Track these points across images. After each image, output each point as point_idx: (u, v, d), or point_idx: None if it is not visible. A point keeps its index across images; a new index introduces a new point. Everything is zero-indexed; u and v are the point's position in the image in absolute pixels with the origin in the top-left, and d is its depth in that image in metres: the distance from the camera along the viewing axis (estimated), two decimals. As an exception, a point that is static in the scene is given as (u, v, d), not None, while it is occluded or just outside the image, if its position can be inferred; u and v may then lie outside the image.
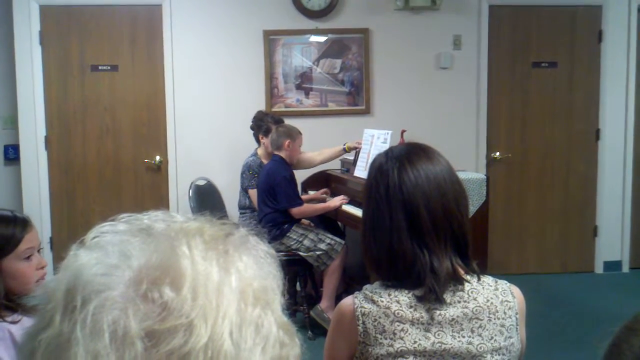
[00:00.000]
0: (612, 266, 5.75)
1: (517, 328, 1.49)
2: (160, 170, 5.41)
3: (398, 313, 1.44)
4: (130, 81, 5.33)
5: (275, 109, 5.34)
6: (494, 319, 1.47)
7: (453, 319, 1.45)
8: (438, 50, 5.48)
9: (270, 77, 5.38)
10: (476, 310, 1.46)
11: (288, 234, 4.21)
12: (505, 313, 1.48)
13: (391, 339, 1.43)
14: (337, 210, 4.30)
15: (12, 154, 5.36)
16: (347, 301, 1.51)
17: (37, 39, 5.19)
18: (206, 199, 4.82)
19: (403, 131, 4.47)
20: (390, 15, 5.42)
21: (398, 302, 1.45)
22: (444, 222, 1.48)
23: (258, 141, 4.83)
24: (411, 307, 1.45)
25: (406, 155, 1.54)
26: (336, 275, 4.20)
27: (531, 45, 5.61)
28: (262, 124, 4.76)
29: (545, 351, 3.86)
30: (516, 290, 1.54)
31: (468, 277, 1.50)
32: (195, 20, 5.29)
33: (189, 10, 5.28)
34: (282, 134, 4.33)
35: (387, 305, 1.44)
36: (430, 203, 1.48)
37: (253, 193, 4.59)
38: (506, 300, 1.49)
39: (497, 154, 5.64)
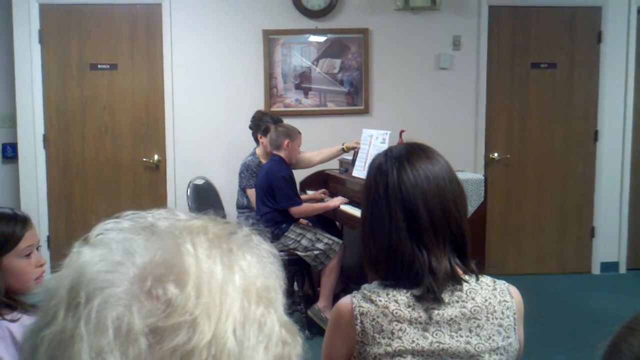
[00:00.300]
0: (609, 267, 5.76)
1: (515, 328, 1.50)
2: (158, 170, 5.41)
3: (396, 312, 1.44)
4: (129, 80, 5.32)
5: (274, 109, 5.34)
6: (492, 318, 1.47)
7: (451, 319, 1.45)
8: (437, 50, 5.49)
9: (269, 76, 5.38)
10: (474, 310, 1.46)
11: (286, 234, 4.21)
12: (503, 313, 1.48)
13: (389, 338, 1.43)
14: (336, 210, 4.30)
15: (10, 153, 5.35)
16: (346, 300, 1.50)
17: (37, 38, 5.18)
18: (204, 199, 4.82)
19: (402, 131, 4.47)
20: (390, 15, 5.42)
21: (396, 301, 1.45)
22: (442, 222, 1.48)
23: (257, 141, 4.83)
24: (409, 306, 1.45)
25: (406, 155, 1.54)
26: (334, 275, 4.20)
27: (530, 46, 5.62)
28: (261, 124, 4.76)
29: (542, 351, 3.86)
30: (514, 290, 1.55)
31: (466, 277, 1.50)
32: (195, 20, 5.29)
33: (188, 10, 5.27)
34: (282, 134, 4.33)
35: (385, 304, 1.44)
36: (429, 203, 1.48)
37: (251, 193, 4.59)
38: (504, 300, 1.50)
39: (496, 154, 5.65)
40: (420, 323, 1.44)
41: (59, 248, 5.20)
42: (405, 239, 1.47)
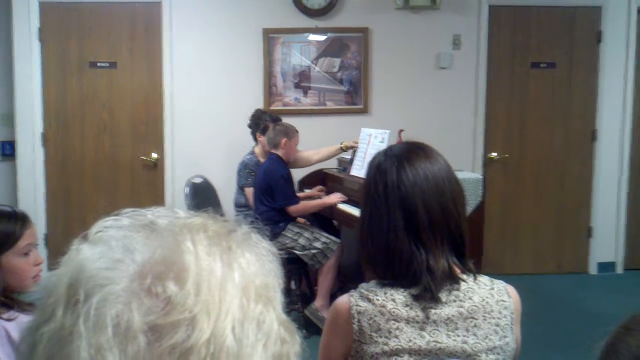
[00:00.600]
0: (606, 267, 5.77)
1: (512, 328, 1.50)
2: (157, 168, 5.41)
3: (393, 311, 1.44)
4: (128, 78, 5.32)
5: (273, 108, 5.34)
6: (489, 318, 1.47)
7: (448, 318, 1.45)
8: (437, 49, 5.49)
9: (268, 75, 5.38)
10: (471, 309, 1.46)
11: (284, 233, 4.21)
12: (500, 313, 1.48)
13: (386, 337, 1.43)
14: (333, 209, 4.30)
15: (9, 151, 5.35)
16: (343, 299, 1.50)
17: (36, 36, 5.18)
18: (203, 197, 4.81)
19: (401, 130, 4.47)
20: (390, 14, 5.42)
21: (394, 300, 1.45)
22: (441, 221, 1.48)
23: (255, 139, 4.83)
24: (407, 305, 1.45)
25: (405, 154, 1.54)
26: (331, 274, 4.20)
27: (530, 46, 5.62)
28: (260, 122, 4.76)
29: (539, 351, 3.87)
30: (512, 290, 1.55)
31: (464, 277, 1.50)
32: (195, 18, 5.29)
33: (188, 8, 5.27)
34: (279, 132, 4.33)
35: (382, 303, 1.45)
36: (428, 202, 1.48)
37: (249, 191, 4.59)
38: (502, 300, 1.50)
39: (494, 154, 5.65)
40: (418, 322, 1.44)
41: (57, 246, 5.18)
42: (403, 237, 1.47)
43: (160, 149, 5.38)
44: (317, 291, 4.30)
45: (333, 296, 3.99)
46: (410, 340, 1.43)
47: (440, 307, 1.45)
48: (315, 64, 5.42)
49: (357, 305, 1.46)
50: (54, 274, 0.57)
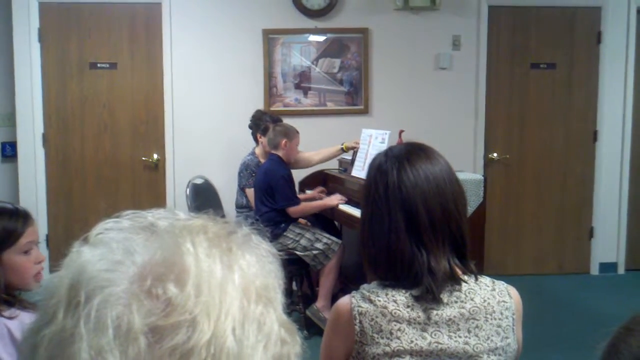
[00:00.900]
0: (608, 268, 5.77)
1: (513, 328, 1.50)
2: (157, 169, 5.41)
3: (395, 312, 1.44)
4: (128, 79, 5.32)
5: (273, 108, 5.34)
6: (491, 319, 1.47)
7: (450, 319, 1.45)
8: (437, 50, 5.49)
9: (269, 76, 5.38)
10: (473, 310, 1.46)
11: (285, 233, 4.21)
12: (502, 313, 1.48)
13: (388, 338, 1.43)
14: (334, 209, 4.30)
15: (10, 151, 5.35)
16: (344, 300, 1.50)
17: (36, 36, 5.18)
18: (204, 198, 4.81)
19: (401, 131, 4.47)
20: (390, 15, 5.42)
21: (395, 301, 1.45)
22: (442, 222, 1.48)
23: (256, 140, 4.83)
24: (408, 306, 1.45)
25: (406, 154, 1.54)
26: (332, 274, 4.20)
27: (530, 46, 5.62)
28: (261, 123, 4.76)
29: (541, 352, 3.86)
30: (513, 291, 1.54)
31: (465, 278, 1.50)
32: (195, 19, 5.29)
33: (188, 9, 5.27)
34: (279, 133, 4.33)
35: (384, 304, 1.44)
36: (428, 203, 1.48)
37: (250, 192, 4.59)
38: (503, 301, 1.50)
39: (495, 154, 5.65)
40: (419, 323, 1.44)
41: (58, 247, 5.20)
42: (404, 239, 1.47)
43: (161, 150, 5.38)
44: (319, 292, 4.29)
45: (334, 297, 4.00)
46: (411, 341, 1.43)
47: (442, 308, 1.45)
48: (316, 65, 5.42)
49: (359, 306, 1.46)
50: (55, 276, 0.57)
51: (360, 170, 4.34)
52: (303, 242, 4.17)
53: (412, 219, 1.47)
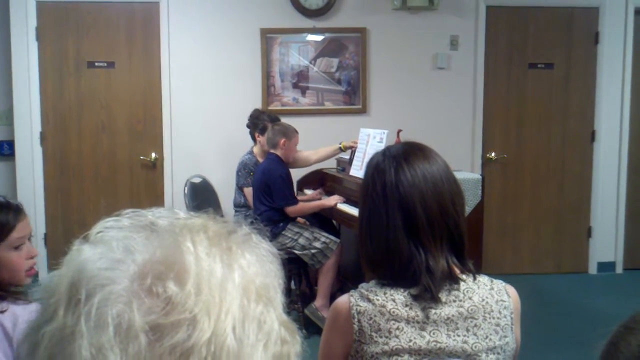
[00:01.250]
0: (606, 267, 5.78)
1: (512, 327, 1.50)
2: (155, 168, 5.41)
3: (393, 311, 1.44)
4: (126, 78, 5.32)
5: (271, 108, 5.34)
6: (489, 318, 1.47)
7: (448, 318, 1.45)
8: (435, 50, 5.49)
9: (267, 75, 5.38)
10: (471, 309, 1.47)
11: (283, 232, 4.21)
12: (500, 312, 1.49)
13: (386, 337, 1.43)
14: (333, 209, 4.30)
15: (7, 150, 5.35)
16: (343, 299, 1.51)
17: (34, 35, 5.17)
18: (202, 197, 4.82)
19: (399, 131, 4.47)
20: (388, 15, 5.42)
21: (393, 300, 1.45)
22: (440, 221, 1.48)
23: (254, 139, 4.83)
24: (407, 305, 1.45)
25: (403, 154, 1.54)
26: (331, 273, 4.20)
27: (528, 47, 5.62)
28: (259, 122, 4.76)
29: (539, 351, 3.87)
30: (512, 290, 1.55)
31: (464, 277, 1.50)
32: (193, 18, 5.29)
33: (186, 8, 5.27)
34: (278, 133, 4.33)
35: (382, 303, 1.45)
36: (426, 202, 1.48)
37: (248, 191, 4.59)
38: (501, 300, 1.50)
39: (493, 154, 5.66)
40: (418, 322, 1.44)
41: (56, 245, 5.20)
42: (402, 238, 1.47)
43: (159, 149, 5.38)
44: (317, 291, 4.30)
45: (333, 296, 4.00)
46: (410, 340, 1.43)
47: (440, 307, 1.45)
48: (314, 64, 5.42)
49: (357, 305, 1.46)
50: (56, 274, 0.57)
51: (358, 170, 4.34)
52: (301, 241, 4.17)
53: (410, 218, 1.48)
